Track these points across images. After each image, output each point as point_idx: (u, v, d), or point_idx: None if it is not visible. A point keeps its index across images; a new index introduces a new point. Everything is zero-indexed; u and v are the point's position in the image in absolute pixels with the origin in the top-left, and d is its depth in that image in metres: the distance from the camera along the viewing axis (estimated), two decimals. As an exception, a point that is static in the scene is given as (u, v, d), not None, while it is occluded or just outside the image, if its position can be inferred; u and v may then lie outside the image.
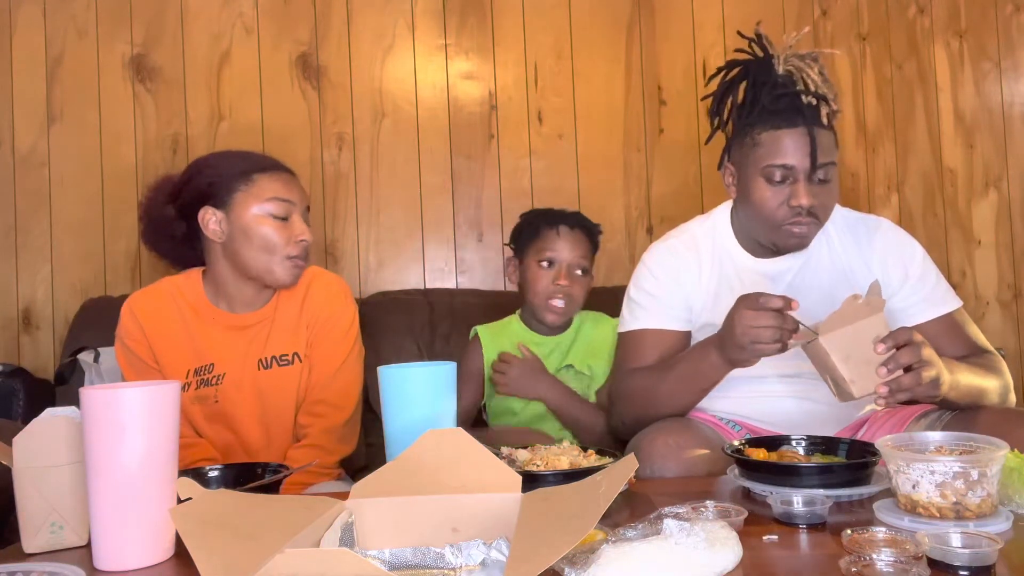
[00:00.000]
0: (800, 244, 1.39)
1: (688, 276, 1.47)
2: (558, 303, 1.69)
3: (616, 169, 2.41)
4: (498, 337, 1.79)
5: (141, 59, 2.31)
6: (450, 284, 2.37)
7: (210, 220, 1.43)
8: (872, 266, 1.43)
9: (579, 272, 1.71)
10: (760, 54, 1.41)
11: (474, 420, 1.83)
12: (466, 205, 2.38)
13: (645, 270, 1.50)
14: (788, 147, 1.32)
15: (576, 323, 1.78)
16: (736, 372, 1.39)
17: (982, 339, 1.43)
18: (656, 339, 1.45)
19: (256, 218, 1.41)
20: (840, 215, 1.48)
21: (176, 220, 1.47)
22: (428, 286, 2.36)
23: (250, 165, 1.45)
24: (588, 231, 1.75)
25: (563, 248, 1.70)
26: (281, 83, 2.34)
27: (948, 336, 1.39)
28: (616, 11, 2.42)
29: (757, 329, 1.17)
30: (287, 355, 1.47)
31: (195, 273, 1.52)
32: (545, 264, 1.70)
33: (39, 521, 0.89)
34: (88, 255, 2.29)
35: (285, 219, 1.43)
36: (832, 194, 1.37)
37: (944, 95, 2.52)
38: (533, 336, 1.77)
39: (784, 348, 1.18)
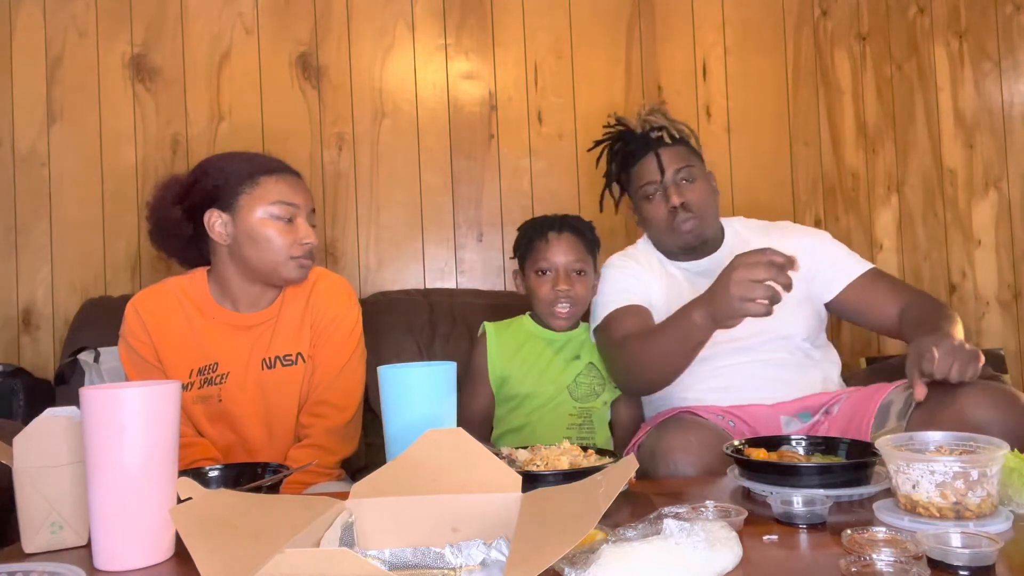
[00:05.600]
0: (695, 237, 1.66)
1: (645, 275, 1.70)
2: (562, 308, 1.71)
3: (616, 169, 2.41)
4: (504, 333, 1.79)
5: (141, 59, 2.31)
6: (450, 284, 2.37)
7: (216, 223, 1.44)
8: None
9: (576, 273, 1.72)
10: (623, 128, 1.76)
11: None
12: (466, 205, 2.38)
13: (605, 276, 1.72)
14: (646, 169, 1.68)
15: (582, 326, 1.80)
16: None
17: (909, 285, 1.70)
18: (630, 311, 1.62)
19: (260, 221, 1.42)
20: (748, 223, 1.78)
21: (183, 221, 1.47)
22: (428, 286, 2.35)
23: (255, 167, 1.45)
24: (578, 231, 1.75)
25: (555, 254, 1.72)
26: (281, 83, 2.34)
27: (878, 284, 1.63)
28: (616, 11, 2.42)
29: (751, 284, 1.20)
30: (291, 355, 1.47)
31: (200, 273, 1.52)
32: (542, 273, 1.72)
33: (39, 521, 0.89)
34: (88, 255, 2.29)
35: (290, 222, 1.44)
36: (700, 190, 1.67)
37: (944, 95, 2.52)
38: (544, 332, 1.77)
39: (769, 311, 1.22)
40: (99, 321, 2.02)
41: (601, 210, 1.79)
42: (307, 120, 2.34)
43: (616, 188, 1.81)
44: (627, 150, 1.73)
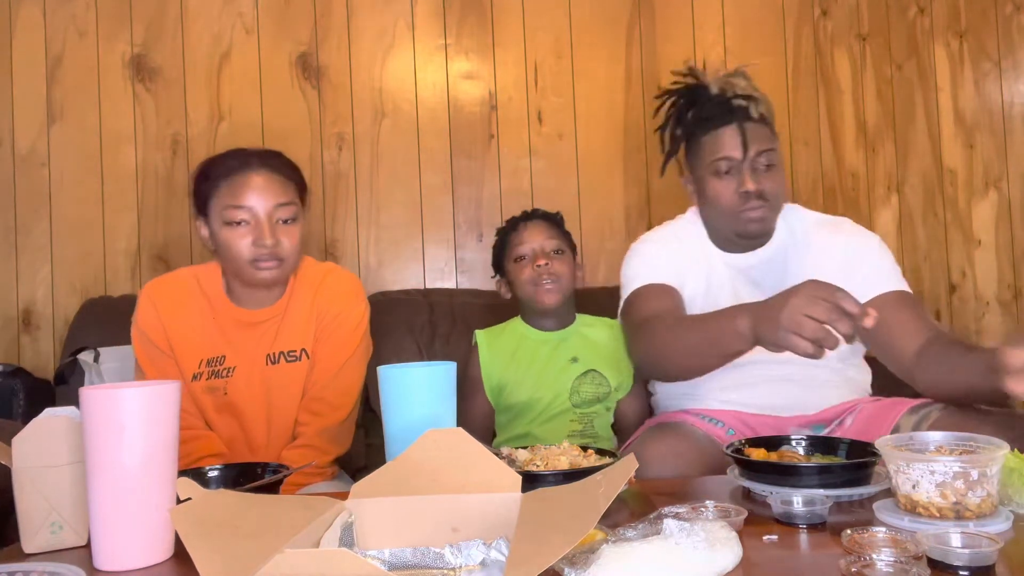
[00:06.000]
0: (760, 228, 1.50)
1: (681, 258, 1.55)
2: (546, 282, 1.71)
3: (616, 169, 2.41)
4: (497, 340, 1.79)
5: (141, 59, 2.31)
6: (450, 284, 2.37)
7: (201, 229, 1.47)
8: (836, 260, 1.50)
9: (554, 252, 1.73)
10: (694, 81, 1.57)
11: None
12: (466, 205, 2.38)
13: (635, 252, 1.59)
14: (725, 142, 1.48)
15: (578, 321, 1.79)
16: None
17: (939, 324, 1.49)
18: (660, 290, 1.49)
19: (221, 226, 1.42)
20: (804, 217, 1.60)
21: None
22: (428, 286, 2.35)
23: (219, 171, 1.43)
24: (546, 218, 1.79)
25: (528, 239, 1.74)
26: (281, 83, 2.34)
27: (906, 310, 1.43)
28: (616, 11, 2.42)
29: (805, 319, 1.05)
30: (295, 351, 1.48)
31: (215, 265, 1.53)
32: (520, 259, 1.74)
33: (39, 521, 0.89)
34: (88, 255, 2.29)
35: (245, 224, 1.41)
36: (777, 179, 1.50)
37: (944, 95, 2.52)
38: (536, 333, 1.77)
39: (817, 355, 1.06)
40: (99, 321, 2.02)
41: (662, 174, 1.62)
42: (307, 120, 2.34)
43: (665, 139, 1.60)
44: (701, 113, 1.52)
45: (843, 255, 1.52)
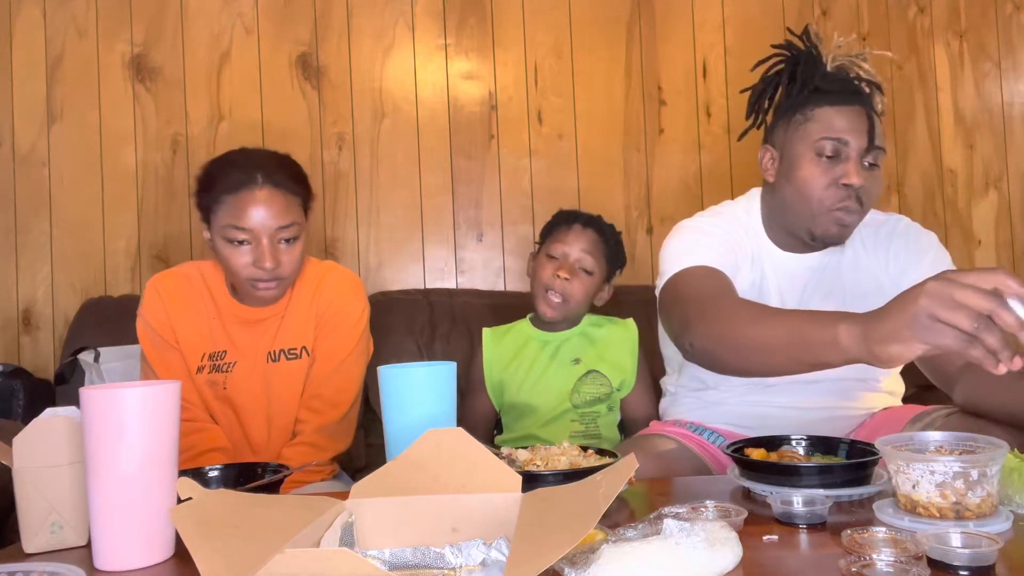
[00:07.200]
0: (841, 234, 1.33)
1: (736, 249, 1.36)
2: (553, 296, 1.68)
3: (616, 169, 2.41)
4: (502, 340, 1.79)
5: (141, 59, 2.31)
6: (450, 284, 2.37)
7: (204, 231, 1.46)
8: (890, 270, 1.40)
9: (582, 270, 1.70)
10: (803, 47, 1.38)
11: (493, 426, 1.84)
12: (466, 205, 2.38)
13: (685, 229, 1.39)
14: (845, 122, 1.29)
15: (585, 321, 1.78)
16: (739, 379, 1.31)
17: None
18: (715, 275, 1.27)
19: (223, 242, 1.40)
20: (867, 216, 1.42)
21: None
22: (428, 286, 2.36)
23: (223, 186, 1.40)
24: (601, 232, 1.74)
25: (570, 243, 1.70)
26: (281, 83, 2.34)
27: None
28: (616, 11, 2.42)
29: (955, 303, 0.81)
30: (295, 349, 1.48)
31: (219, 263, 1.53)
32: (551, 258, 1.71)
33: (39, 521, 0.89)
34: (88, 255, 2.29)
35: (245, 244, 1.39)
36: (879, 183, 1.33)
37: (944, 95, 2.52)
38: (540, 335, 1.76)
39: (969, 347, 0.83)
40: (99, 321, 2.02)
41: (740, 138, 1.49)
42: (307, 120, 2.34)
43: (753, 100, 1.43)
44: (823, 84, 1.32)
45: (899, 259, 1.40)
